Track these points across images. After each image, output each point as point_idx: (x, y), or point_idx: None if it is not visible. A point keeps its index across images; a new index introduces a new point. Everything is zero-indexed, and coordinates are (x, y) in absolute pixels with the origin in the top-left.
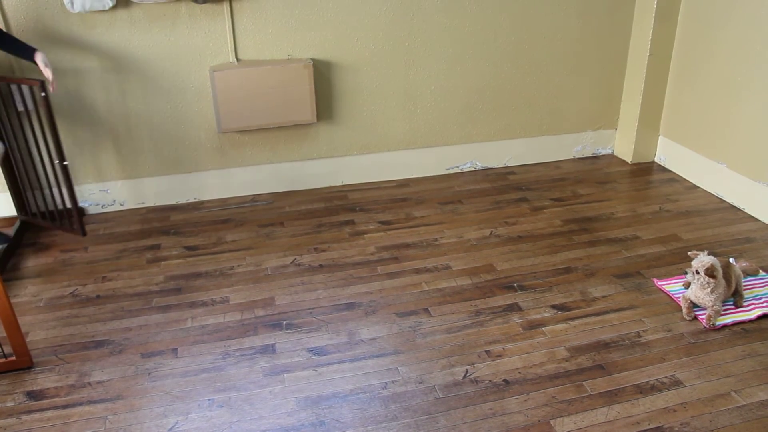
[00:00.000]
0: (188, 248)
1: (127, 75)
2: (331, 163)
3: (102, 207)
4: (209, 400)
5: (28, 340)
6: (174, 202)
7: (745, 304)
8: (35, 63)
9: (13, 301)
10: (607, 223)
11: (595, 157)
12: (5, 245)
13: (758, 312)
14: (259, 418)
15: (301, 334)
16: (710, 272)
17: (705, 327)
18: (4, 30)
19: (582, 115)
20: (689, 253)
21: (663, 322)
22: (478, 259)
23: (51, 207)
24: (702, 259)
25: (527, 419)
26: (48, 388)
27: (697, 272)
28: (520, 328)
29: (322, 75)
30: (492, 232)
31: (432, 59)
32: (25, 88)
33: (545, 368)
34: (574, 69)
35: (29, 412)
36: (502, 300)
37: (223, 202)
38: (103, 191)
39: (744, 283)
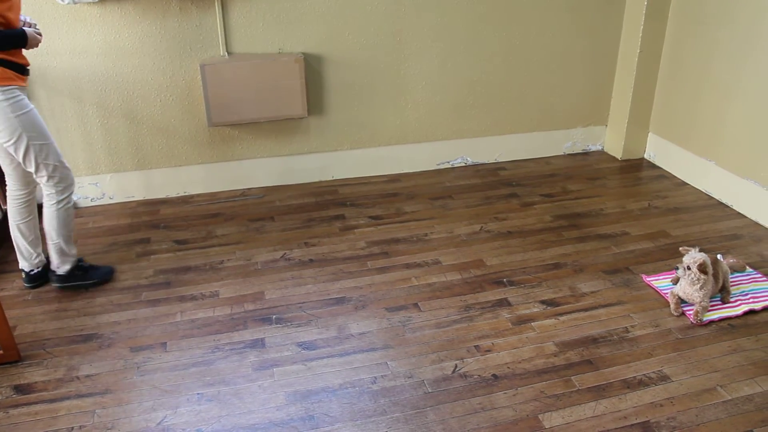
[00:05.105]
0: (178, 242)
1: (116, 68)
2: (322, 157)
3: (91, 200)
4: (198, 394)
5: (15, 333)
6: (164, 196)
7: (731, 300)
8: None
9: (0, 294)
10: (597, 219)
11: (586, 154)
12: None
13: (744, 308)
14: (249, 413)
15: (290, 328)
16: (702, 269)
17: (692, 323)
18: None
19: (572, 111)
20: (680, 249)
21: (651, 317)
22: (468, 255)
23: None
24: (694, 256)
25: (516, 414)
26: (36, 382)
27: (688, 268)
28: (509, 323)
29: (313, 69)
30: (482, 227)
31: (423, 55)
32: None
33: (534, 363)
34: (565, 65)
35: (16, 406)
36: (491, 295)
37: (213, 197)
38: (92, 184)
39: (731, 280)
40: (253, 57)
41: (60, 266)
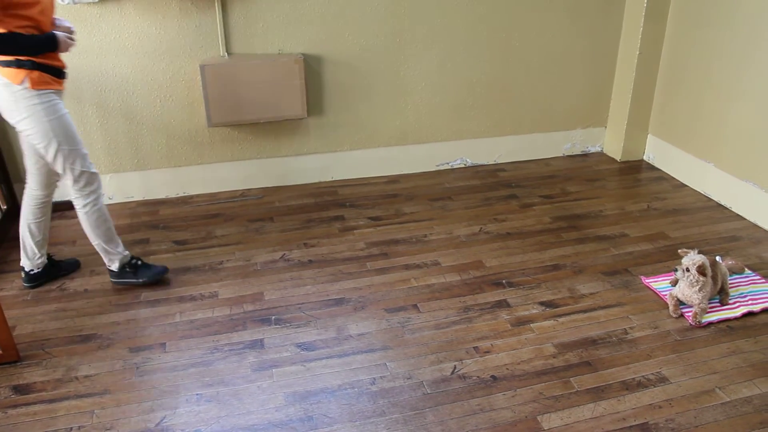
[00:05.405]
0: (177, 243)
1: (116, 68)
2: (322, 158)
3: None
4: (197, 394)
5: (14, 334)
6: (163, 197)
7: (730, 301)
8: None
9: None
10: (596, 220)
11: (585, 155)
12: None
13: (743, 310)
14: (247, 413)
15: (289, 329)
16: (701, 270)
17: (691, 324)
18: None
19: (572, 112)
20: (679, 250)
21: (650, 319)
22: (467, 256)
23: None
24: (693, 257)
25: (514, 415)
26: (35, 383)
27: (687, 270)
28: (508, 325)
29: (313, 70)
30: (481, 228)
31: (423, 56)
32: None
33: (533, 364)
34: (565, 67)
35: (15, 406)
36: (490, 296)
37: (213, 197)
38: None
39: (729, 281)
40: (252, 57)
41: (109, 264)
